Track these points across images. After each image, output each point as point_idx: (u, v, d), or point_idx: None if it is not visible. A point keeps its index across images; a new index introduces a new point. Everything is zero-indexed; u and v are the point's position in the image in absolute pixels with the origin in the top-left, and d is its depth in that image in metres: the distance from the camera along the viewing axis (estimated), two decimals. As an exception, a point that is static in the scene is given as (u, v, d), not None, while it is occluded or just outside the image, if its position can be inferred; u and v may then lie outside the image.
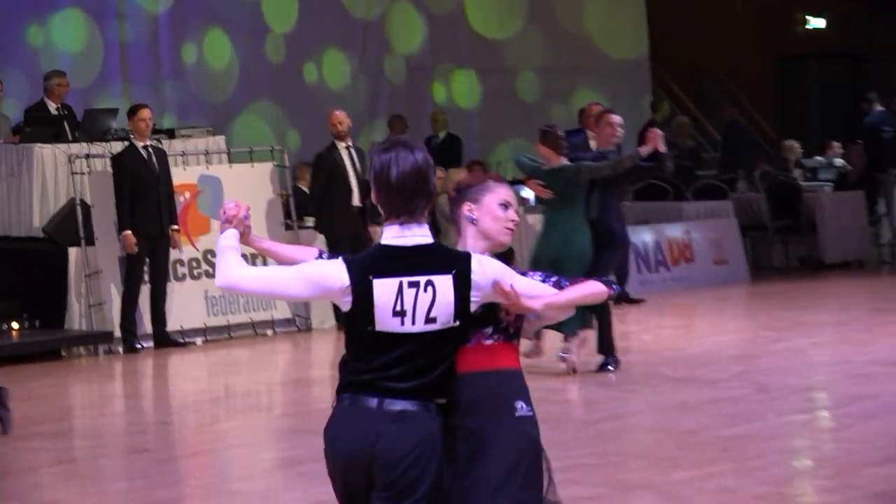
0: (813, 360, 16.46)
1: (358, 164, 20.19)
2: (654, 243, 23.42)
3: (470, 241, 6.43)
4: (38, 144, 19.18)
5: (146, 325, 18.72)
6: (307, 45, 24.97)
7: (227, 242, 6.24)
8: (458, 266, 6.18)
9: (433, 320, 6.12)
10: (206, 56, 23.95)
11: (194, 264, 19.41)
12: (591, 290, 6.47)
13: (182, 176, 19.16)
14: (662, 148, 15.80)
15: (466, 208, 6.39)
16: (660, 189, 25.68)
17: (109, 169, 18.68)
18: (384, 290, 6.10)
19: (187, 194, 19.17)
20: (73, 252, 18.72)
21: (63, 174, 18.98)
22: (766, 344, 17.80)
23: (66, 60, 22.02)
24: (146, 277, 18.61)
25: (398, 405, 6.19)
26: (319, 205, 20.20)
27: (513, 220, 6.47)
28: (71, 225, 18.76)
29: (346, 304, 6.17)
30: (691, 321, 20.24)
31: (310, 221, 20.46)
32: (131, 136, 18.77)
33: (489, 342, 6.45)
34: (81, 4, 22.75)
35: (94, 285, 18.70)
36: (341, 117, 20.34)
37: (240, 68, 24.27)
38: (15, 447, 13.27)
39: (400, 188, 6.16)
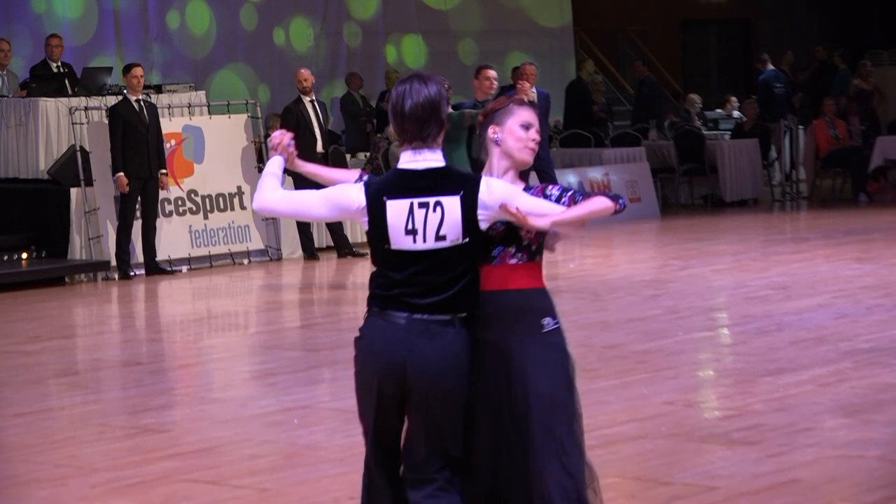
0: (714, 285, 16.53)
1: (321, 115, 20.24)
2: (578, 184, 23.46)
3: (495, 161, 6.21)
4: (43, 98, 19.14)
5: (138, 255, 18.69)
6: (276, 13, 24.87)
7: (270, 169, 6.21)
8: (466, 188, 5.90)
9: (443, 238, 5.86)
10: (189, 22, 23.83)
11: (180, 202, 19.41)
12: (598, 205, 6.07)
13: (168, 126, 19.11)
14: (531, 97, 16.03)
15: (491, 131, 6.20)
16: (583, 137, 25.79)
17: (105, 120, 18.64)
18: (396, 210, 5.85)
19: (173, 142, 19.16)
20: (73, 192, 18.71)
21: (64, 124, 18.92)
22: (674, 271, 17.86)
23: (66, 25, 21.89)
24: (138, 214, 18.56)
25: (425, 319, 5.89)
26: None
27: (534, 140, 6.27)
28: (72, 168, 18.75)
29: (364, 224, 5.98)
30: (609, 251, 20.28)
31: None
32: (125, 91, 18.71)
33: (513, 261, 6.11)
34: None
35: (92, 221, 18.68)
36: (306, 75, 20.37)
37: (217, 32, 24.15)
38: (24, 361, 13.26)
39: (412, 117, 5.92)
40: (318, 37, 25.29)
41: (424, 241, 5.87)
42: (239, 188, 19.92)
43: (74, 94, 19.35)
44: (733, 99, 27.49)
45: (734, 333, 13.85)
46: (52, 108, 19.07)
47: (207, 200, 19.73)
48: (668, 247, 20.61)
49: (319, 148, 19.97)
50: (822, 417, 9.80)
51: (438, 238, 5.86)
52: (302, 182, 15.92)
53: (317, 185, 6.43)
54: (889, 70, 29.28)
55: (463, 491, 6.04)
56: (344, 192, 6.04)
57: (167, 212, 19.17)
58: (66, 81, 19.63)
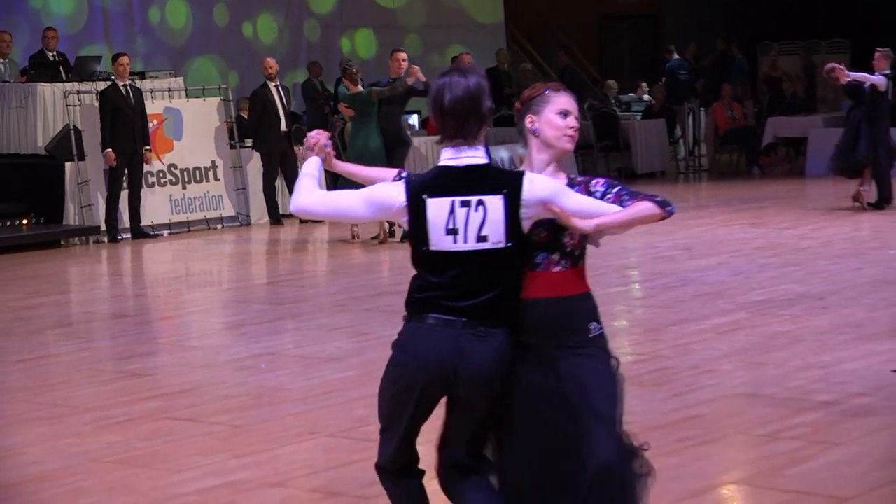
0: (627, 246, 16.51)
1: (284, 99, 20.22)
2: (509, 158, 23.45)
3: (534, 152, 5.41)
4: (41, 83, 19.02)
5: (125, 221, 18.62)
6: (245, 9, 24.74)
7: (307, 170, 5.43)
8: (510, 186, 5.09)
9: (484, 238, 5.06)
10: (168, 17, 23.70)
11: (161, 175, 19.31)
12: (646, 212, 5.34)
13: (151, 107, 18.98)
14: (422, 78, 16.50)
15: (528, 121, 5.40)
16: (511, 118, 25.76)
17: (96, 102, 18.52)
18: (437, 208, 5.06)
19: (155, 121, 19.06)
20: (68, 166, 18.59)
21: (60, 106, 18.77)
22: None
23: (60, 19, 21.73)
24: (125, 185, 18.46)
25: (470, 324, 5.13)
26: (255, 129, 20.18)
27: (572, 127, 5.53)
28: (66, 145, 18.62)
29: (405, 223, 5.25)
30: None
31: (248, 142, 20.37)
32: (113, 77, 18.64)
33: (557, 269, 5.27)
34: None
35: (84, 191, 18.58)
36: (271, 63, 20.35)
37: (193, 26, 24.01)
38: (25, 314, 13.16)
39: (452, 112, 5.13)
40: (282, 30, 25.20)
41: (465, 241, 5.08)
42: (213, 162, 19.88)
43: (68, 80, 19.24)
44: (644, 85, 27.52)
45: (644, 288, 13.89)
46: (48, 92, 18.93)
47: (185, 173, 19.66)
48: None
49: (283, 127, 19.99)
50: (721, 361, 9.82)
51: (480, 239, 5.08)
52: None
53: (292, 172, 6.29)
54: (778, 59, 29.31)
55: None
56: (384, 191, 5.27)
57: (150, 183, 19.06)
58: (61, 69, 19.55)
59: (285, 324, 12.47)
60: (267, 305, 13.54)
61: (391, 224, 16.58)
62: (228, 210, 20.03)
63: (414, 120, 23.54)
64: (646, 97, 26.95)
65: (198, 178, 19.82)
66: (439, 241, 5.09)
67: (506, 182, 5.12)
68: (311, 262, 16.79)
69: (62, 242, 18.46)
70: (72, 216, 18.67)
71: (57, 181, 18.67)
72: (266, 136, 19.96)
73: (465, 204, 5.05)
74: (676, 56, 27.66)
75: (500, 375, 5.15)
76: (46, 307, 13.87)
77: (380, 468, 5.40)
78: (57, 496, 7.25)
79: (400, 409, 5.27)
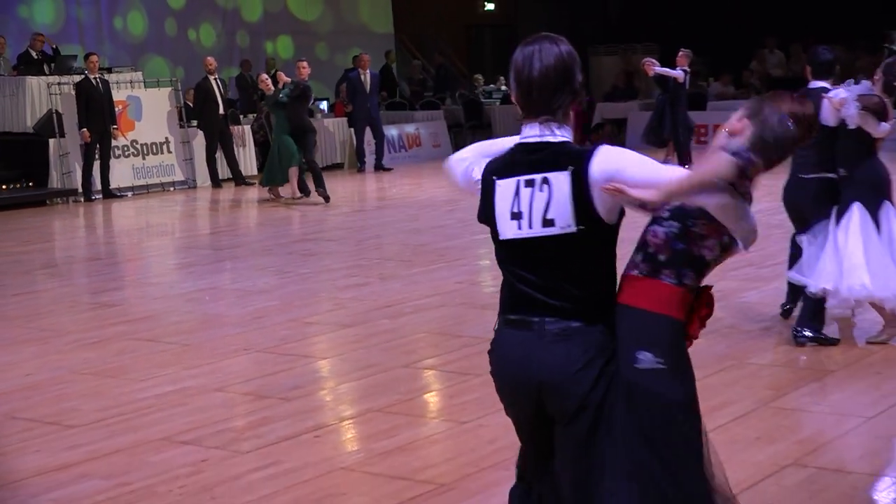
0: (490, 204, 16.62)
1: (221, 89, 20.07)
2: (398, 136, 23.48)
3: None
4: (29, 76, 18.81)
5: (97, 185, 18.43)
6: (190, 19, 24.45)
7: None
8: (579, 162, 3.45)
9: (550, 223, 3.47)
10: (129, 25, 23.39)
11: (126, 148, 19.09)
12: (716, 165, 3.39)
13: (117, 95, 18.74)
14: (287, 80, 16.71)
15: None
16: (400, 104, 25.78)
17: (73, 92, 18.24)
18: (504, 190, 3.56)
19: (120, 107, 18.87)
20: (51, 142, 18.34)
21: (44, 95, 18.52)
22: (464, 194, 17.90)
23: (43, 26, 21.42)
24: (97, 156, 18.29)
25: (548, 324, 3.52)
26: (199, 113, 20.01)
27: None
28: (50, 125, 18.37)
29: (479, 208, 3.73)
30: (420, 181, 20.29)
31: (194, 123, 20.19)
32: (86, 72, 18.38)
33: (635, 272, 3.55)
34: (52, -8, 22.22)
35: (64, 161, 18.30)
36: (211, 61, 20.16)
37: (148, 32, 23.71)
38: (18, 258, 13.01)
39: (542, 84, 3.51)
40: (220, 35, 24.96)
41: (530, 226, 3.51)
42: (166, 138, 19.73)
43: (51, 74, 19.00)
44: (502, 78, 27.53)
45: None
46: (35, 84, 18.70)
47: (144, 147, 19.45)
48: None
49: (220, 111, 19.88)
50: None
51: (546, 223, 3.49)
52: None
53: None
54: (604, 59, 29.44)
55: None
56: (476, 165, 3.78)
57: (117, 155, 18.87)
58: (45, 65, 19.36)
59: (224, 265, 12.42)
60: (209, 250, 13.48)
61: (302, 184, 16.69)
62: (178, 176, 19.89)
63: (324, 105, 23.45)
64: (503, 88, 26.98)
65: (154, 151, 19.66)
66: (505, 227, 3.59)
67: (575, 158, 3.49)
68: (244, 217, 16.70)
69: (47, 202, 18.26)
70: (55, 181, 18.46)
71: (42, 153, 18.44)
72: (207, 118, 19.85)
73: (530, 183, 3.52)
74: (526, 56, 27.80)
75: (586, 379, 3.50)
76: (35, 253, 13.74)
77: (519, 475, 3.88)
78: (45, 400, 7.20)
79: (513, 422, 3.80)
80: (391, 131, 23.07)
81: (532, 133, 3.57)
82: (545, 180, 3.50)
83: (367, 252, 12.71)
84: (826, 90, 7.72)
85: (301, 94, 16.32)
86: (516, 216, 3.55)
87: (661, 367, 3.43)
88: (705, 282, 3.60)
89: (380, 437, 6.24)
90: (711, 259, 3.54)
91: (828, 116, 7.48)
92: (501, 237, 3.62)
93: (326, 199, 16.33)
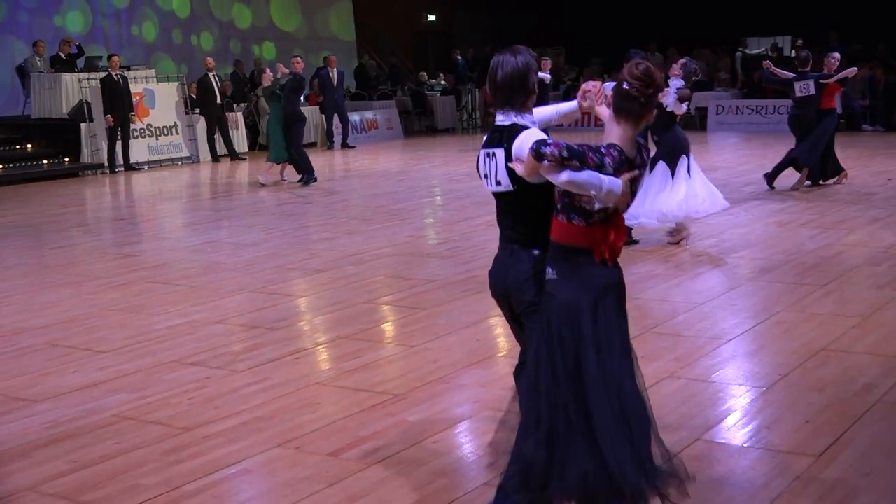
0: (432, 173, 16.60)
1: (219, 83, 19.86)
2: (360, 120, 23.32)
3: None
4: (63, 73, 18.56)
5: (120, 159, 18.24)
6: (193, 28, 24.13)
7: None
8: (509, 141, 3.79)
9: (499, 183, 3.86)
10: (144, 33, 23.04)
11: (142, 131, 18.89)
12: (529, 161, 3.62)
13: (134, 88, 18.51)
14: (286, 70, 15.58)
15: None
16: (360, 95, 25.60)
17: (99, 85, 18.02)
18: (481, 158, 3.90)
19: (137, 97, 18.65)
20: (83, 125, 18.13)
21: (76, 88, 18.30)
22: (412, 166, 17.84)
23: (75, 34, 21.09)
24: (119, 136, 18.07)
25: (515, 247, 3.89)
26: (201, 102, 19.78)
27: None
28: (81, 112, 18.16)
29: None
30: (377, 156, 20.23)
31: (196, 110, 19.95)
32: (109, 69, 18.10)
33: (559, 218, 3.67)
34: (81, 7, 21.70)
35: (93, 141, 18.13)
36: (211, 61, 19.95)
37: (159, 38, 23.37)
38: (56, 218, 12.89)
39: (503, 85, 3.83)
40: (217, 41, 24.63)
41: (490, 185, 3.94)
42: (175, 123, 19.53)
43: (81, 71, 18.75)
44: (442, 74, 27.41)
45: (443, 199, 13.87)
46: (68, 79, 18.46)
47: (157, 129, 19.26)
48: (408, 154, 20.63)
49: (218, 101, 19.67)
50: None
51: (497, 183, 3.89)
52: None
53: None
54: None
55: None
56: None
57: (135, 136, 18.67)
58: (76, 64, 19.07)
59: (222, 223, 12.33)
60: (210, 212, 13.36)
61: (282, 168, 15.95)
62: (185, 153, 19.67)
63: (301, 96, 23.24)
64: (443, 82, 26.87)
65: (165, 132, 19.46)
66: (484, 183, 3.97)
67: (510, 138, 3.82)
68: (237, 185, 16.53)
69: (79, 174, 18.01)
70: (86, 157, 18.24)
71: (75, 135, 18.21)
72: (207, 107, 19.64)
73: (489, 155, 3.91)
74: (461, 57, 27.55)
75: (530, 286, 3.85)
76: (70, 214, 13.54)
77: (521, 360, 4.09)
78: (80, 331, 7.15)
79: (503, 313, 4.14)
80: (354, 116, 22.94)
81: (499, 119, 3.89)
82: (493, 153, 3.88)
83: (335, 212, 12.65)
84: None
85: (297, 85, 15.76)
86: (486, 176, 3.95)
87: (555, 279, 3.72)
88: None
89: (347, 359, 6.25)
90: (592, 208, 3.65)
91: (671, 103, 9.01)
92: (486, 188, 3.99)
93: (305, 183, 15.48)
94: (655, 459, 3.66)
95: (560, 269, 3.71)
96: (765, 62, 13.61)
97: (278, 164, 15.74)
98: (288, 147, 15.37)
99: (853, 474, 4.31)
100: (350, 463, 4.59)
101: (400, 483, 4.36)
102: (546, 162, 3.57)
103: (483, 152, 3.94)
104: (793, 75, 12.91)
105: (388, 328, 7.08)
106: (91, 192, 16.27)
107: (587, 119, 18.92)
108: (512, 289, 3.91)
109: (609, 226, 3.69)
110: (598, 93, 3.94)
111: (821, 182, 13.15)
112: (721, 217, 11.06)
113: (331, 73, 21.37)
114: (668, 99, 8.96)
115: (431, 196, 14.11)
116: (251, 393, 5.65)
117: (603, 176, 3.57)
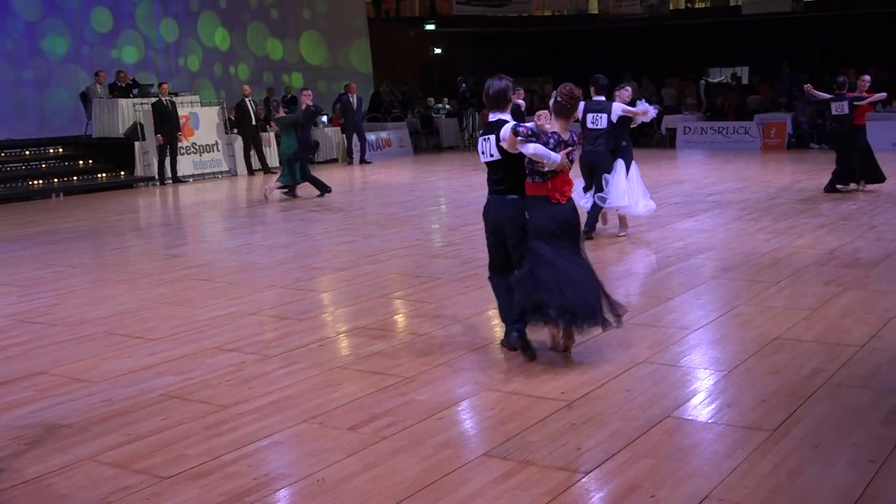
0: (440, 185, 16.53)
1: (254, 108, 19.80)
2: (375, 139, 23.26)
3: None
4: (120, 98, 18.44)
5: (168, 173, 18.14)
6: (231, 61, 24.00)
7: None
8: (497, 131, 5.51)
9: (492, 155, 5.54)
10: (189, 64, 22.88)
11: (188, 148, 18.70)
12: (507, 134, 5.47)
13: (181, 111, 18.41)
14: (354, 99, 15.34)
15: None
16: (377, 118, 25.54)
17: (151, 109, 17.97)
18: (480, 141, 5.63)
19: (184, 119, 18.54)
20: (136, 144, 18.00)
21: (130, 111, 18.16)
22: (422, 179, 17.77)
23: (131, 65, 21.05)
24: (168, 153, 18.01)
25: (503, 196, 5.59)
26: (238, 124, 19.72)
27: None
28: (135, 132, 18.03)
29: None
30: (390, 171, 20.20)
31: (235, 131, 19.91)
32: (160, 95, 18.06)
33: (528, 179, 5.52)
34: (135, 42, 21.65)
35: (145, 157, 17.99)
36: (247, 88, 19.86)
37: (202, 68, 23.23)
38: (113, 223, 12.84)
39: (492, 97, 5.57)
40: (252, 70, 24.55)
41: (485, 157, 5.60)
42: (216, 141, 19.41)
43: (135, 97, 18.62)
44: (446, 99, 27.32)
45: (448, 208, 13.79)
46: (124, 104, 18.32)
47: (201, 147, 19.13)
48: (418, 168, 20.58)
49: (253, 122, 19.61)
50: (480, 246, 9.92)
51: (490, 156, 5.57)
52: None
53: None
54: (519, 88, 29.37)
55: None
56: None
57: (182, 153, 18.55)
58: (130, 92, 18.99)
59: (255, 227, 12.30)
60: (247, 218, 13.32)
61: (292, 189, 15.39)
62: (224, 167, 19.54)
63: (325, 119, 23.24)
64: (447, 106, 26.81)
65: (207, 150, 19.35)
66: (480, 157, 5.67)
67: (498, 129, 5.55)
68: (270, 195, 16.50)
69: (134, 186, 17.91)
70: (139, 171, 18.12)
71: (130, 152, 18.12)
72: (244, 128, 19.58)
73: (486, 139, 5.59)
74: (464, 84, 27.46)
75: (517, 222, 5.58)
76: (125, 219, 13.49)
77: (490, 270, 5.92)
78: (133, 322, 7.12)
79: (488, 241, 5.81)
80: (371, 136, 22.89)
81: (491, 117, 5.63)
82: (488, 138, 5.61)
83: (354, 219, 12.62)
84: (605, 101, 9.78)
85: (314, 114, 15.42)
86: (482, 152, 5.64)
87: (529, 217, 5.56)
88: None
89: (363, 346, 6.23)
90: (546, 171, 5.51)
91: (615, 117, 9.72)
92: (481, 161, 5.67)
93: (324, 193, 15.09)
94: (604, 305, 5.51)
95: (532, 211, 5.56)
96: (806, 85, 13.56)
97: (287, 185, 15.11)
98: (303, 170, 14.88)
99: (803, 446, 4.28)
100: (367, 436, 4.57)
101: (410, 454, 4.34)
102: (519, 137, 5.41)
103: (481, 138, 5.64)
104: (830, 96, 12.92)
105: (400, 319, 7.06)
106: (143, 202, 16.24)
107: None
108: (505, 223, 5.62)
109: (556, 181, 5.56)
110: (545, 116, 5.63)
111: (860, 185, 13.16)
112: (687, 223, 11.04)
113: (351, 99, 21.35)
114: (616, 113, 9.83)
115: (438, 205, 14.08)
116: (281, 375, 5.63)
117: (550, 151, 5.46)
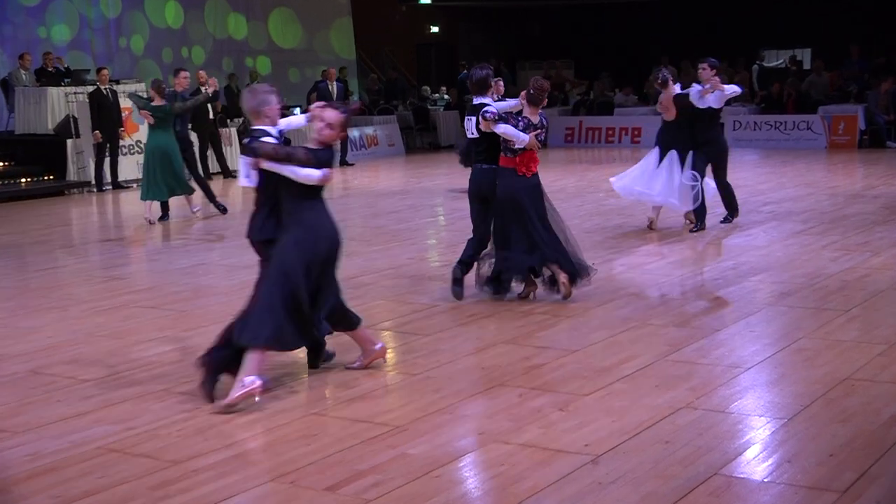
0: (437, 190, 16.62)
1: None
2: (359, 136, 23.36)
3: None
4: (49, 87, 18.68)
5: (108, 177, 18.28)
6: (182, 41, 24.19)
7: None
8: (478, 112, 7.84)
9: (473, 133, 7.99)
10: (132, 45, 23.08)
11: (131, 147, 18.82)
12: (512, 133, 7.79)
13: (123, 103, 18.41)
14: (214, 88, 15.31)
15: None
16: (363, 111, 25.64)
17: (86, 100, 18.08)
18: (465, 120, 8.15)
19: (126, 112, 18.60)
20: (69, 142, 18.23)
21: (62, 102, 18.41)
22: (414, 184, 17.89)
23: (62, 47, 21.20)
24: (107, 153, 18.12)
25: (481, 164, 8.04)
26: (193, 118, 19.74)
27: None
28: (67, 128, 18.27)
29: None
30: (377, 174, 20.26)
31: (189, 126, 19.95)
32: (97, 84, 18.13)
33: (502, 154, 7.90)
34: (68, 20, 21.76)
35: (79, 158, 18.21)
36: (203, 74, 19.96)
37: (147, 49, 23.41)
38: (41, 239, 12.88)
39: (475, 83, 7.91)
40: (210, 54, 24.67)
41: (469, 133, 8.09)
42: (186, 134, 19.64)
43: (68, 85, 18.82)
44: (444, 88, 27.45)
45: (447, 219, 13.87)
46: (54, 93, 18.57)
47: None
48: (410, 171, 20.65)
49: (211, 116, 19.68)
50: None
51: (472, 134, 8.03)
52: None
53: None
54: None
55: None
56: None
57: (123, 152, 18.69)
58: (62, 79, 19.17)
59: (213, 244, 12.34)
60: (202, 232, 13.37)
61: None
62: (176, 170, 19.66)
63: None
64: (446, 97, 26.91)
65: (155, 149, 19.50)
66: (468, 133, 8.16)
67: (478, 110, 7.91)
68: (230, 204, 16.51)
69: (65, 192, 18.08)
70: (72, 174, 18.31)
71: (61, 151, 18.29)
72: (200, 123, 19.59)
73: (469, 119, 8.10)
74: (466, 70, 27.60)
75: (492, 187, 7.98)
76: (55, 234, 13.57)
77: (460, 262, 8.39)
78: (64, 358, 7.13)
79: (472, 207, 8.24)
80: (353, 132, 22.96)
81: (475, 101, 7.94)
82: (470, 118, 8.02)
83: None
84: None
85: (209, 99, 14.60)
86: (468, 130, 8.05)
87: (500, 187, 7.88)
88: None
89: (345, 388, 6.23)
90: (518, 148, 7.84)
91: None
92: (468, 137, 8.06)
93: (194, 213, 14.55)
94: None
95: (502, 182, 7.90)
96: None
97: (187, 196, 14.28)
98: (192, 172, 14.45)
99: (880, 511, 4.27)
100: (348, 498, 4.56)
101: (400, 520, 4.33)
102: (488, 119, 7.76)
103: (466, 118, 8.11)
104: None
105: (389, 355, 7.06)
106: (77, 212, 16.29)
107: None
108: (485, 190, 8.00)
109: (524, 157, 7.89)
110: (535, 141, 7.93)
111: None
112: (738, 238, 11.06)
113: (330, 87, 21.39)
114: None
115: (434, 216, 14.10)
116: (243, 423, 5.62)
117: (518, 132, 7.77)
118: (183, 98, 14.65)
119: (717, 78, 11.24)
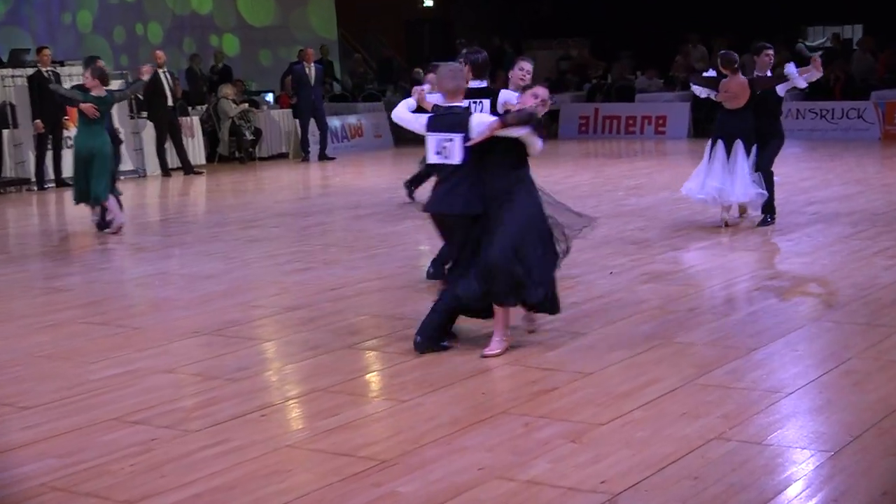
0: (429, 188, 16.55)
1: (170, 80, 19.91)
2: (341, 126, 23.40)
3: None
4: (-17, 70, 18.71)
5: (50, 173, 18.32)
6: (140, 17, 24.23)
7: (408, 101, 8.08)
8: (485, 96, 8.41)
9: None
10: (78, 21, 23.14)
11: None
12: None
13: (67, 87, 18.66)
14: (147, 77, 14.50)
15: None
16: (343, 97, 25.67)
17: (26, 84, 18.09)
18: (470, 102, 8.05)
19: (72, 98, 18.72)
20: (5, 133, 18.26)
21: (-2, 87, 18.47)
22: (406, 176, 17.89)
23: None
24: (49, 146, 18.13)
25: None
26: (148, 105, 19.85)
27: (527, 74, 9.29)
28: (3, 117, 18.24)
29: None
30: (361, 170, 20.27)
31: (144, 114, 20.03)
32: (38, 65, 18.17)
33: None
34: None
35: (17, 151, 18.22)
36: (160, 54, 20.06)
37: (96, 27, 23.45)
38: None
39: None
40: (168, 31, 24.71)
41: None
42: (117, 129, 19.43)
43: (4, 67, 18.83)
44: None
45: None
46: (-12, 77, 18.62)
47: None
48: (400, 166, 20.55)
49: (170, 103, 19.74)
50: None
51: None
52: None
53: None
54: (538, 52, 29.53)
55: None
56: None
57: (69, 145, 18.45)
58: (-1, 59, 19.26)
59: (173, 251, 12.33)
60: (159, 237, 13.38)
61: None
62: (129, 166, 19.59)
63: (269, 97, 23.43)
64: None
65: (105, 141, 19.49)
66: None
67: (481, 94, 8.41)
68: (192, 204, 16.59)
69: (1, 190, 18.05)
70: (8, 170, 18.32)
71: (-3, 144, 18.31)
72: (157, 110, 19.70)
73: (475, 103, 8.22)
74: (464, 49, 27.66)
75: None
76: (-11, 239, 13.55)
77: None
78: (1, 383, 7.10)
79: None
80: (334, 122, 23.00)
81: (472, 85, 8.16)
82: (479, 102, 8.21)
83: (310, 238, 12.65)
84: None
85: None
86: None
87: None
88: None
89: (323, 416, 6.22)
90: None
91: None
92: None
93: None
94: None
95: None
96: None
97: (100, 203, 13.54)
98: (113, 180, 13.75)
99: (941, 558, 4.28)
100: (327, 544, 4.56)
101: (388, 569, 4.33)
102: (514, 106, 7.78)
103: (471, 101, 8.07)
104: None
105: (374, 379, 7.06)
106: (14, 213, 16.29)
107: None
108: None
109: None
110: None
111: None
112: (779, 243, 11.07)
113: (307, 70, 21.41)
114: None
115: (423, 219, 14.08)
116: (206, 458, 5.62)
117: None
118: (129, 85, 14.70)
119: (816, 56, 12.12)
